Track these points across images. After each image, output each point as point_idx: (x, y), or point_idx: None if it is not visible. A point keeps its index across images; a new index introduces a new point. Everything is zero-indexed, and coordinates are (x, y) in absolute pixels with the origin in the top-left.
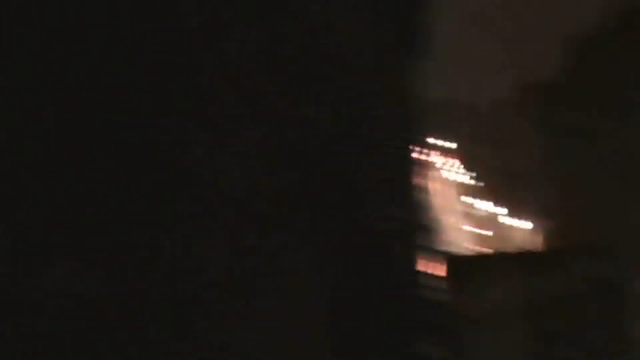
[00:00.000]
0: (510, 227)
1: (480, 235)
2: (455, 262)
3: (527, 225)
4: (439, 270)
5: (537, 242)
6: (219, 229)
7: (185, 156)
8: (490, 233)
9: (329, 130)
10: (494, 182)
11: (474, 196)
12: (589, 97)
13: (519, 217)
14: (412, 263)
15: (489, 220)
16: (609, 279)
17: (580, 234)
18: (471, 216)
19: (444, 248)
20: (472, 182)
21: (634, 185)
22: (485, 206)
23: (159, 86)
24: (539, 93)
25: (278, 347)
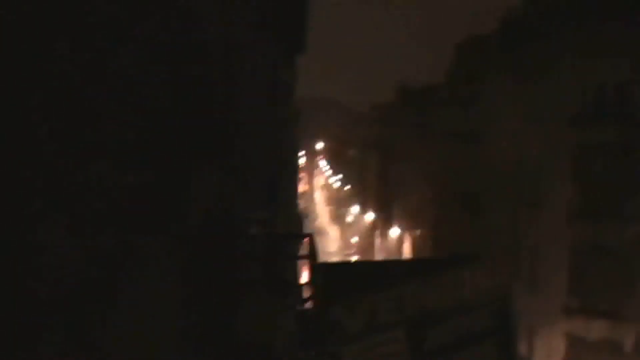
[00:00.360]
0: (382, 232)
1: (352, 240)
2: (327, 270)
3: (397, 231)
4: (311, 278)
5: (410, 250)
6: (74, 229)
7: (39, 154)
8: (359, 239)
9: (199, 131)
10: (365, 187)
11: (346, 201)
12: (468, 103)
13: (391, 222)
14: (282, 270)
15: (360, 226)
16: (487, 291)
17: (454, 243)
18: (343, 221)
19: (315, 254)
20: (345, 187)
21: (508, 195)
22: (357, 211)
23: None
24: (418, 97)
25: (135, 346)
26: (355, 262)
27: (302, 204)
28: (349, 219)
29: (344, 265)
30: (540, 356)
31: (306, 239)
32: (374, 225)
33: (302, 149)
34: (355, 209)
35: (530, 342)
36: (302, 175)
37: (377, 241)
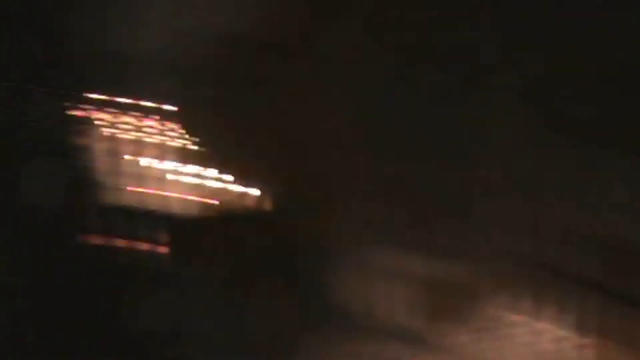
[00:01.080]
0: (239, 194)
1: (206, 204)
2: (176, 231)
3: (256, 192)
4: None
5: (266, 209)
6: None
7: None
8: (216, 202)
9: None
10: (217, 148)
11: (197, 163)
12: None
13: (246, 183)
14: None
15: (215, 189)
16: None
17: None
18: (195, 185)
19: (164, 220)
20: (194, 147)
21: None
22: (210, 174)
23: None
24: (244, 48)
25: None
26: (201, 220)
27: (131, 167)
28: (198, 180)
29: (189, 226)
30: None
31: (144, 208)
32: (223, 186)
33: (133, 109)
34: (203, 170)
35: None
36: (127, 137)
37: (228, 202)
